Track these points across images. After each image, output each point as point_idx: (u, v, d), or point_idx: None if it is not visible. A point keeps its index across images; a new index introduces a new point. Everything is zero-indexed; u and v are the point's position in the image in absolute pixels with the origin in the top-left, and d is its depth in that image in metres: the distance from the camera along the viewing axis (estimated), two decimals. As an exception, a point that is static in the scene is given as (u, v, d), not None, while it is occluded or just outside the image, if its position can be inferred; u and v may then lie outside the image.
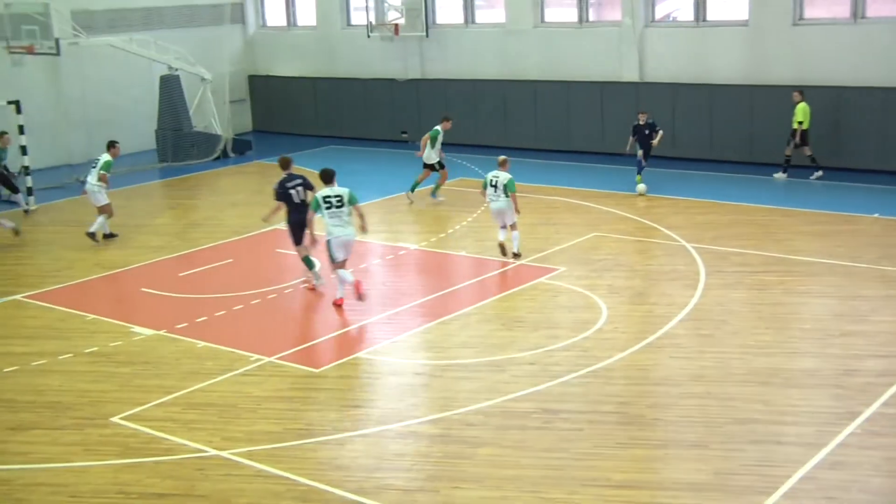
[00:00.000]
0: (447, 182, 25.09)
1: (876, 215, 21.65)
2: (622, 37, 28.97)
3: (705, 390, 13.31)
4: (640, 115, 24.57)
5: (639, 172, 24.48)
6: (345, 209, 16.96)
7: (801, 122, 25.04)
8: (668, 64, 28.49)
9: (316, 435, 12.67)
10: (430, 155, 24.48)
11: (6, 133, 25.60)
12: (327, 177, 17.17)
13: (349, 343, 15.75)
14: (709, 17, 28.14)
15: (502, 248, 19.41)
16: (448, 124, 24.61)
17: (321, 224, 17.16)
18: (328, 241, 17.00)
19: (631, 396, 13.37)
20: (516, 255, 19.37)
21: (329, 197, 16.92)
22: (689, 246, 19.79)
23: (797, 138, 25.10)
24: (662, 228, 21.15)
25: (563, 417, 12.71)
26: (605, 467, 11.45)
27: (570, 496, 10.86)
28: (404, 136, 32.96)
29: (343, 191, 17.09)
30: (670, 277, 18.16)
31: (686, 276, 17.99)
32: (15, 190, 25.98)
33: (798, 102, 25.04)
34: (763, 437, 11.97)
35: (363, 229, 17.40)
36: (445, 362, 14.84)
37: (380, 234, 22.39)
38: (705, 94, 27.38)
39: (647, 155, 24.48)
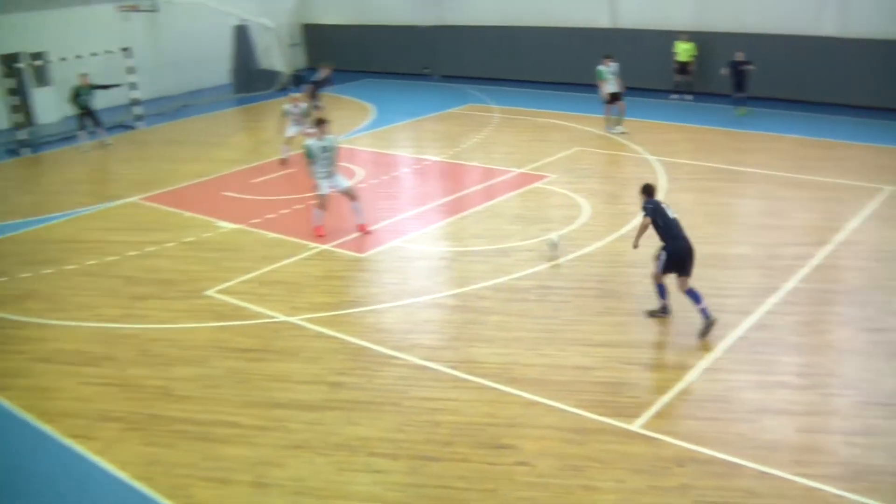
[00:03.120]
0: (468, 106, 24.76)
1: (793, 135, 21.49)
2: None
3: (664, 271, 13.32)
4: (739, 53, 23.19)
5: (738, 105, 23.44)
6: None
7: (694, 56, 25.62)
8: (633, 13, 27.85)
9: (362, 305, 12.69)
10: (607, 88, 21.94)
11: (87, 74, 23.95)
12: None
13: (387, 234, 15.65)
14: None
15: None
16: (608, 61, 21.84)
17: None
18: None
19: (607, 276, 13.33)
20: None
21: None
22: (651, 158, 19.58)
23: (682, 70, 25.79)
24: (631, 144, 20.92)
25: (556, 292, 12.71)
26: (587, 330, 11.50)
27: (560, 352, 10.92)
28: (426, 70, 32.50)
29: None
30: (637, 183, 17.77)
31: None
32: (97, 124, 23.97)
33: (682, 41, 25.54)
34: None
35: None
36: (462, 249, 14.78)
37: (408, 148, 22.23)
38: (664, 38, 26.79)
39: (742, 88, 23.21)
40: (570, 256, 13.96)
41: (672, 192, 17.05)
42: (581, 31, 28.58)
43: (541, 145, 21.41)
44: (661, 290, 11.71)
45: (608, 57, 22.09)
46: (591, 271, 13.43)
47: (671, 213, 11.54)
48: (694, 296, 11.17)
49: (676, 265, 11.33)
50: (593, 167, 19.34)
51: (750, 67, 23.20)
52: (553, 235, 14.33)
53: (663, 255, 11.38)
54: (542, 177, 18.55)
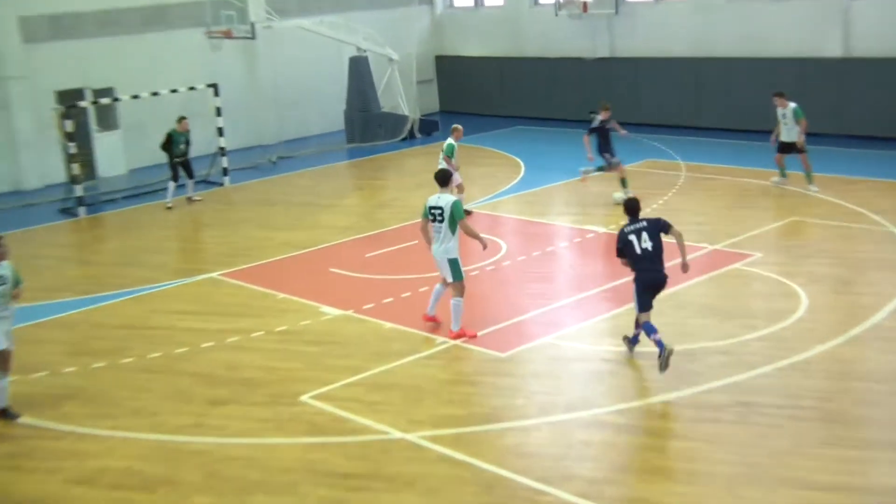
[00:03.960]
0: (647, 162, 24.66)
1: None
2: (825, 9, 27.80)
3: (916, 388, 12.70)
4: None
5: None
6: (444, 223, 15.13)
7: None
8: (877, 38, 27.14)
9: (501, 420, 12.58)
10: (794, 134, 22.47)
11: (185, 118, 25.66)
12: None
13: (536, 327, 15.58)
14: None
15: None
16: (781, 100, 22.35)
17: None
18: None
19: (833, 392, 12.77)
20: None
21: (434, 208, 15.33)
22: (896, 231, 18.96)
23: None
24: (868, 213, 20.26)
25: (760, 412, 12.25)
26: (806, 467, 10.95)
27: (768, 496, 10.44)
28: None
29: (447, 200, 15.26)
30: (877, 265, 17.35)
31: (895, 265, 17.15)
32: (191, 176, 25.76)
33: None
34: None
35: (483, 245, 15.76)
36: (635, 350, 14.50)
37: (568, 216, 22.22)
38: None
39: None
40: (782, 363, 13.47)
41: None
42: (801, 61, 28.12)
43: (743, 214, 21.07)
44: (648, 329, 13.43)
45: (779, 95, 22.19)
46: (811, 384, 12.90)
47: (641, 245, 13.65)
48: (648, 328, 13.33)
49: (650, 293, 13.59)
50: (815, 243, 18.88)
51: None
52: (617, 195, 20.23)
53: (636, 288, 13.62)
54: (744, 256, 18.21)
